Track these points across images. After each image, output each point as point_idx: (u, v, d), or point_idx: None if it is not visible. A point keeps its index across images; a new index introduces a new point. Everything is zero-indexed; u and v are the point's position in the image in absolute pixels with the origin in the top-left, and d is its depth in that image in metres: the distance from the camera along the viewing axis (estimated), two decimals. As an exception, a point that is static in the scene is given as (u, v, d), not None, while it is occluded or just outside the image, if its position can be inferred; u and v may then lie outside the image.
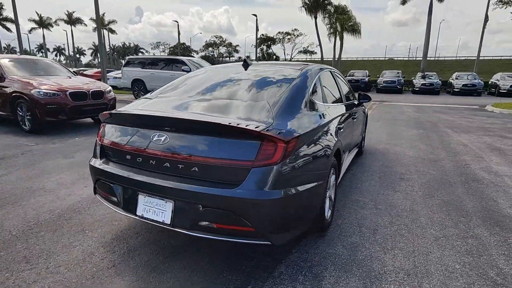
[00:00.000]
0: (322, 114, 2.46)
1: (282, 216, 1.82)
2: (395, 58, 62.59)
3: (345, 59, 37.84)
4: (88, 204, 3.01)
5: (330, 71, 3.43)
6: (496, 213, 2.98)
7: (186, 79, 2.94)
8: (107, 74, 14.98)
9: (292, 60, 35.12)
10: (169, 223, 1.88)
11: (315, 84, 2.62)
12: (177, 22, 34.96)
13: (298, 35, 31.70)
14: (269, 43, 32.54)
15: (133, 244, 2.35)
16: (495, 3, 14.80)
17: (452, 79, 22.71)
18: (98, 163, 2.23)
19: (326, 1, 25.55)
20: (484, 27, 24.34)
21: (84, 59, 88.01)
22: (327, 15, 25.23)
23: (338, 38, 24.67)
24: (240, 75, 2.74)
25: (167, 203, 1.90)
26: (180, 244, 2.36)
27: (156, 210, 1.94)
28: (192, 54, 53.13)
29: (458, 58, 62.35)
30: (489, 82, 22.38)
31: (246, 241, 1.81)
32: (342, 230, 2.60)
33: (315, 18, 26.36)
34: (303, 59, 46.71)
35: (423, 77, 23.42)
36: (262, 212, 1.74)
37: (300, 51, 33.70)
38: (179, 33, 34.96)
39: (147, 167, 2.00)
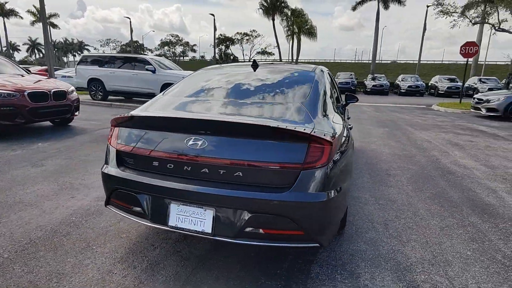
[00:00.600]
0: (339, 114, 2.53)
1: (328, 217, 1.82)
2: (344, 61, 66.35)
3: (302, 60, 39.16)
4: (83, 217, 2.72)
5: (328, 72, 3.52)
6: (479, 202, 3.31)
7: (197, 79, 2.81)
8: (55, 73, 13.63)
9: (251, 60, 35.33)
10: (210, 232, 1.78)
11: (327, 85, 2.67)
12: (129, 18, 33.13)
13: (256, 36, 32.10)
14: (227, 43, 32.37)
15: (153, 257, 2.17)
16: (436, 13, 16.54)
17: (399, 81, 24.81)
18: (115, 171, 2.02)
19: (283, 4, 26.24)
20: (423, 35, 26.99)
21: (18, 56, 79.22)
22: (284, 18, 25.94)
23: (295, 40, 25.53)
24: (256, 75, 2.68)
25: (207, 211, 1.79)
26: (203, 253, 2.24)
27: (194, 219, 1.81)
28: (146, 53, 50.82)
29: (398, 61, 68.23)
30: (429, 84, 24.86)
31: (294, 245, 1.79)
32: (357, 227, 2.69)
33: (273, 20, 26.91)
34: (261, 60, 47.49)
35: (373, 78, 25.23)
36: (312, 215, 1.72)
37: (258, 52, 34.16)
38: (131, 30, 33.13)
39: (181, 174, 1.86)
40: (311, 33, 25.13)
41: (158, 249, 2.28)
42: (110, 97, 11.99)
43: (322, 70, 2.87)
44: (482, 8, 20.28)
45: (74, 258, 2.12)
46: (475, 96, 11.36)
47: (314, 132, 1.74)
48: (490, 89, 18.92)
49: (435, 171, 4.38)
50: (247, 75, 2.71)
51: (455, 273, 2.08)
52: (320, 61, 60.46)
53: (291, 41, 26.28)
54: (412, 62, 55.59)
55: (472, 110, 11.42)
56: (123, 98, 12.46)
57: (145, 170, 1.97)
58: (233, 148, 1.79)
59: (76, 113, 6.66)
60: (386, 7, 28.55)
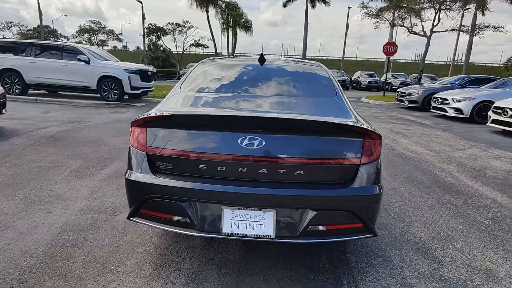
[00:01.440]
0: None
1: (379, 208, 1.91)
2: (273, 56, 68.67)
3: (237, 54, 39.17)
4: (77, 234, 2.31)
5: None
6: (443, 182, 3.85)
7: (211, 73, 2.62)
8: None
9: (184, 52, 33.89)
10: (271, 235, 1.70)
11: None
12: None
13: (189, 27, 30.68)
14: (158, 33, 30.27)
15: (187, 269, 1.98)
16: (362, 14, 18.39)
17: None
18: (149, 177, 1.77)
19: (216, -4, 25.76)
20: (346, 33, 29.63)
21: None
22: (219, 10, 25.46)
23: (232, 33, 25.39)
24: (272, 69, 2.62)
25: (267, 213, 1.71)
26: (237, 257, 2.14)
27: (252, 223, 1.71)
28: (61, 39, 44.26)
29: (320, 57, 73.58)
30: (352, 79, 27.54)
31: (352, 238, 1.83)
32: (364, 214, 2.87)
33: (207, 12, 26.19)
34: (195, 53, 45.77)
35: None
36: (370, 207, 1.79)
37: (192, 44, 32.80)
38: (40, 13, 28.46)
39: (235, 176, 1.72)
40: (247, 27, 25.29)
41: (187, 259, 2.08)
42: (31, 91, 10.24)
43: (321, 65, 2.95)
44: (392, 13, 23.43)
45: (95, 284, 1.80)
46: (399, 90, 13.01)
47: (368, 127, 1.79)
48: (401, 84, 22.05)
49: (397, 158, 4.92)
50: (262, 70, 2.62)
51: (461, 246, 2.40)
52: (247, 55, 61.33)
53: (227, 35, 26.09)
54: (333, 58, 60.55)
55: (396, 102, 13.07)
56: (46, 92, 10.77)
57: (191, 174, 1.77)
58: (292, 146, 1.73)
59: (4, 111, 5.55)
60: (313, 6, 30.39)
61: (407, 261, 2.17)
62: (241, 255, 2.15)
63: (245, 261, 2.09)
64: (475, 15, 21.36)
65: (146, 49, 30.08)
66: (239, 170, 1.72)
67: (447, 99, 9.44)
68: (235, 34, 25.08)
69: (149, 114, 1.84)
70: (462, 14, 18.21)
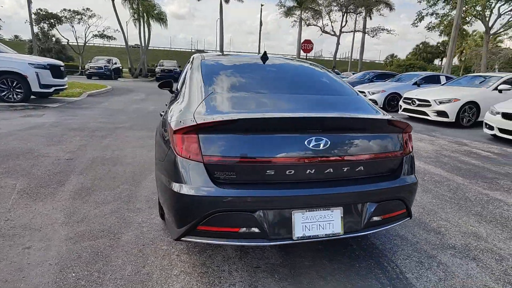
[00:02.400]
0: None
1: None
2: (183, 50, 65.90)
3: (150, 48, 36.42)
4: (85, 268, 1.90)
5: None
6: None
7: (227, 72, 2.42)
8: None
9: (87, 44, 29.57)
10: (340, 231, 1.74)
11: None
12: None
13: (91, 16, 26.81)
14: (52, 21, 25.53)
15: (242, 283, 1.85)
16: (280, 12, 19.33)
17: None
18: (211, 190, 1.57)
19: (123, -18, 23.22)
20: (260, 29, 30.80)
21: None
22: (128, -1, 23.08)
23: (143, 24, 23.32)
24: (288, 68, 2.60)
25: (334, 212, 1.73)
26: (279, 260, 2.09)
27: (321, 223, 1.71)
28: None
29: (233, 53, 74.49)
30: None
31: (398, 223, 2.00)
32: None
33: (112, 0, 23.38)
34: (101, 45, 40.64)
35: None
36: (412, 194, 1.98)
37: (96, 35, 28.82)
38: None
39: (303, 178, 1.68)
40: (161, 19, 23.63)
41: (234, 272, 1.94)
42: None
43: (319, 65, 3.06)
44: (300, 13, 25.55)
45: (153, 321, 1.53)
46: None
47: (407, 122, 1.98)
48: None
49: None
50: (279, 68, 2.58)
51: (445, 216, 2.85)
52: (157, 48, 57.62)
53: (139, 26, 23.82)
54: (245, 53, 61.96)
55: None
56: None
57: (258, 181, 1.65)
58: (351, 144, 1.79)
59: None
60: (227, 1, 30.52)
61: (418, 236, 2.48)
62: (282, 258, 2.12)
63: (291, 263, 2.07)
64: (365, 18, 25.01)
65: (40, 38, 25.40)
66: (307, 172, 1.69)
67: (364, 92, 10.82)
68: (148, 26, 23.24)
69: (212, 120, 1.62)
70: (365, 18, 21.11)
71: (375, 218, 1.84)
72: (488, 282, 1.95)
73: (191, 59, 2.76)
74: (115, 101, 10.39)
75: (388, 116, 1.94)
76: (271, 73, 2.51)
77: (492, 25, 16.62)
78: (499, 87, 7.84)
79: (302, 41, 16.98)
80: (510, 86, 7.82)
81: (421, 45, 57.26)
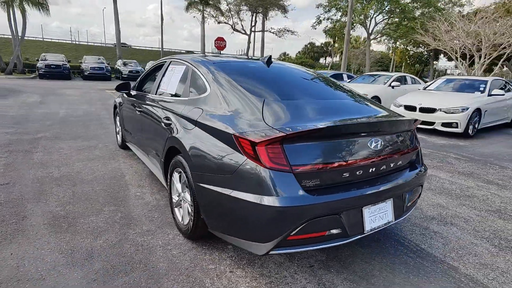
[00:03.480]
0: None
1: None
2: (63, 41, 56.40)
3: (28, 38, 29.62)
4: None
5: None
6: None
7: (254, 77, 2.37)
8: None
9: None
10: (392, 220, 1.99)
11: None
12: None
13: None
14: None
15: (311, 284, 1.92)
16: (180, 7, 18.41)
17: (119, 66, 24.22)
18: (304, 198, 1.59)
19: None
20: (162, 24, 29.14)
21: None
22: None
23: (18, 11, 18.71)
24: (295, 73, 2.66)
25: (387, 203, 1.97)
26: (325, 256, 2.23)
27: (380, 215, 1.93)
28: None
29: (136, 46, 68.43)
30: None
31: (415, 205, 2.38)
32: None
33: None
34: None
35: (125, 64, 24.45)
36: (424, 180, 2.38)
37: None
38: None
39: (368, 177, 1.86)
40: (40, 4, 19.33)
41: (295, 275, 1.98)
42: None
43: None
44: (201, 8, 25.33)
45: None
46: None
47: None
48: (130, 72, 21.77)
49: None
50: (300, 74, 2.66)
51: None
52: (27, 39, 48.05)
53: (8, 11, 18.93)
54: (148, 48, 57.94)
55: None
56: None
57: (338, 184, 1.73)
58: (395, 142, 2.05)
59: None
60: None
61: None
62: (325, 254, 2.25)
63: (334, 256, 2.22)
64: (263, 19, 26.66)
65: None
66: (370, 171, 1.87)
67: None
68: (23, 12, 18.82)
69: (297, 131, 1.61)
70: (263, 19, 22.43)
71: (408, 204, 2.17)
72: (471, 240, 2.54)
73: (190, 62, 2.64)
74: (6, 105, 8.33)
75: (408, 116, 2.29)
76: (300, 79, 2.58)
77: (372, 30, 20.29)
78: (392, 84, 9.66)
79: (205, 36, 16.91)
80: (399, 83, 9.74)
81: (308, 45, 64.50)
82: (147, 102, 3.13)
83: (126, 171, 3.71)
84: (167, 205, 2.85)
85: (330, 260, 2.16)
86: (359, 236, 1.84)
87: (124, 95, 4.14)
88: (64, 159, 4.00)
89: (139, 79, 3.92)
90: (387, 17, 20.24)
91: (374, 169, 1.89)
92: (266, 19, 27.33)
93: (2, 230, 2.30)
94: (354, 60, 39.90)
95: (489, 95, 7.15)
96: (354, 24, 20.73)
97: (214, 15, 19.55)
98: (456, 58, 14.34)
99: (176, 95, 2.69)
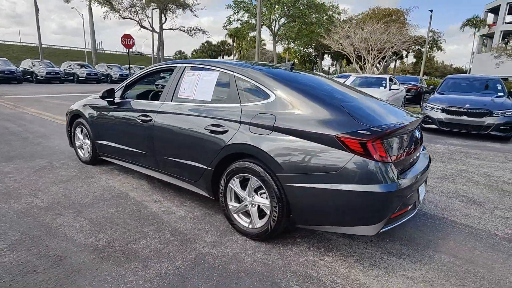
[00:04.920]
0: None
1: None
2: None
3: None
4: None
5: None
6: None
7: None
8: None
9: None
10: (422, 198, 2.54)
11: None
12: None
13: None
14: None
15: (380, 263, 2.31)
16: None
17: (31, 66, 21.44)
18: (403, 182, 2.00)
19: None
20: (37, 17, 24.47)
21: None
22: None
23: None
24: (322, 78, 2.92)
25: (423, 184, 2.51)
26: (399, 240, 2.66)
27: (421, 193, 2.44)
28: None
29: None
30: (63, 70, 23.91)
31: None
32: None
33: None
34: None
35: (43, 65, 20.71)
36: None
37: None
38: None
39: (414, 161, 2.36)
40: None
41: (368, 250, 2.34)
42: None
43: None
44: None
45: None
46: (158, 82, 13.74)
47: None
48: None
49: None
50: (317, 77, 2.90)
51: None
52: None
53: None
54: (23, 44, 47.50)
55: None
56: None
57: (407, 168, 2.18)
58: (420, 135, 2.62)
59: None
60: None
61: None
62: (390, 239, 2.68)
63: (401, 239, 2.67)
64: (160, 16, 25.65)
65: None
66: (416, 156, 2.39)
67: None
68: None
69: (382, 128, 1.95)
70: (160, 16, 21.43)
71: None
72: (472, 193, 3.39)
73: (230, 68, 2.66)
74: None
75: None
76: (331, 84, 2.84)
77: (277, 32, 22.04)
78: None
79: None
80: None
81: (206, 44, 64.75)
82: (164, 110, 2.91)
83: (122, 188, 3.32)
84: (207, 215, 2.78)
85: (402, 245, 2.56)
86: (417, 209, 2.33)
87: (100, 103, 3.65)
88: (29, 185, 3.27)
89: (123, 85, 3.52)
90: (287, 21, 22.45)
91: (418, 154, 2.42)
92: (174, 16, 26.25)
93: (50, 278, 1.88)
94: (254, 59, 42.35)
95: (390, 89, 8.98)
96: (262, 26, 22.18)
97: (116, 9, 17.52)
98: (354, 58, 17.25)
99: (214, 101, 2.64)
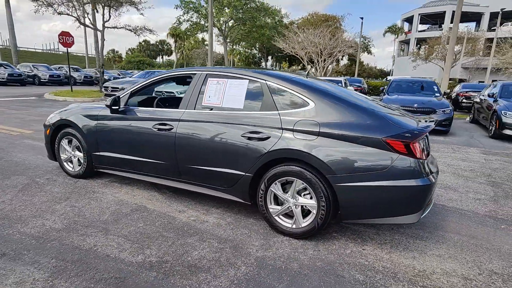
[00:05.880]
0: None
1: None
2: None
3: None
4: None
5: None
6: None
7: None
8: None
9: None
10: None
11: None
12: None
13: None
14: None
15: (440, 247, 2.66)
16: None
17: None
18: (433, 175, 2.33)
19: None
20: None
21: None
22: None
23: None
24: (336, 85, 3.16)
25: None
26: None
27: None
28: None
29: None
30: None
31: None
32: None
33: None
34: None
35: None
36: None
37: None
38: None
39: None
40: None
41: (395, 236, 2.67)
42: None
43: None
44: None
45: None
46: (108, 85, 12.73)
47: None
48: (85, 77, 20.51)
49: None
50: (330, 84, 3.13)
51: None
52: None
53: None
54: None
55: (106, 97, 12.83)
56: None
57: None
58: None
59: None
60: None
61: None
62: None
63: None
64: (93, 11, 23.71)
65: None
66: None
67: None
68: None
69: (422, 130, 2.27)
70: (93, 11, 19.76)
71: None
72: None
73: (260, 77, 2.76)
74: None
75: None
76: (346, 90, 3.10)
77: (227, 34, 22.13)
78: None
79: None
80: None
81: (143, 43, 61.37)
82: (188, 118, 2.87)
83: (135, 200, 3.15)
84: (238, 220, 2.83)
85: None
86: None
87: (99, 112, 3.40)
88: (26, 206, 2.90)
89: (128, 92, 3.33)
90: (237, 23, 22.71)
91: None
92: (117, 14, 24.15)
93: (125, 299, 1.78)
94: (198, 60, 41.56)
95: (346, 90, 9.81)
96: (212, 27, 22.04)
97: (51, 2, 15.44)
98: (307, 61, 18.25)
99: (246, 108, 2.70)
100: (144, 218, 2.79)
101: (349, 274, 2.13)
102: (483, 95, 9.28)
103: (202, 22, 21.46)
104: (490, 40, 31.77)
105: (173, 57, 64.63)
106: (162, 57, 66.21)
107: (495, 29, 36.29)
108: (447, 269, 2.23)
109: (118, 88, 12.37)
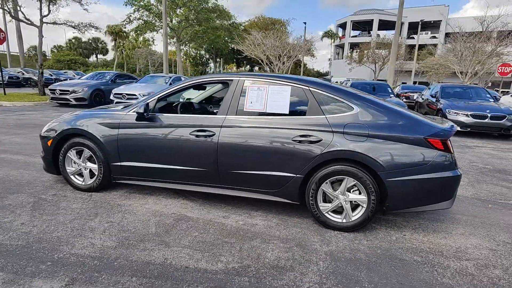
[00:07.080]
0: None
1: None
2: None
3: None
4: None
5: None
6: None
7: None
8: None
9: None
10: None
11: None
12: None
13: None
14: None
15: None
16: None
17: None
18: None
19: None
20: None
21: None
22: None
23: None
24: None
25: None
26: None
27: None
28: None
29: None
30: None
31: None
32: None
33: None
34: None
35: None
36: None
37: None
38: None
39: None
40: None
41: (413, 219, 3.08)
42: None
43: None
44: None
45: None
46: (55, 87, 11.38)
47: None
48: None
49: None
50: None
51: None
52: None
53: None
54: None
55: (52, 101, 11.53)
56: None
57: None
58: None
59: None
60: None
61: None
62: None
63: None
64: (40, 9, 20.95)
65: None
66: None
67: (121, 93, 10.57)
68: None
69: (453, 129, 2.68)
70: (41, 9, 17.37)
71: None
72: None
73: (305, 84, 2.92)
74: None
75: None
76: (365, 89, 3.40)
77: (180, 34, 21.53)
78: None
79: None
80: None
81: (74, 40, 55.70)
82: (231, 124, 2.89)
83: (171, 210, 3.05)
84: (283, 220, 2.96)
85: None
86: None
87: (121, 119, 3.20)
88: (56, 227, 2.61)
89: (155, 98, 3.18)
90: (190, 24, 22.19)
91: None
92: (55, 8, 21.22)
93: (238, 305, 1.81)
94: (140, 60, 39.30)
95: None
96: (167, 27, 21.12)
97: None
98: (266, 63, 18.68)
99: (292, 113, 2.85)
100: (194, 227, 2.75)
101: (408, 257, 2.44)
102: (424, 96, 10.72)
103: (154, 21, 20.50)
104: (410, 46, 36.32)
105: (109, 56, 60.05)
106: (97, 56, 60.98)
107: (413, 37, 41.51)
108: (474, 244, 2.69)
109: (68, 91, 11.22)
